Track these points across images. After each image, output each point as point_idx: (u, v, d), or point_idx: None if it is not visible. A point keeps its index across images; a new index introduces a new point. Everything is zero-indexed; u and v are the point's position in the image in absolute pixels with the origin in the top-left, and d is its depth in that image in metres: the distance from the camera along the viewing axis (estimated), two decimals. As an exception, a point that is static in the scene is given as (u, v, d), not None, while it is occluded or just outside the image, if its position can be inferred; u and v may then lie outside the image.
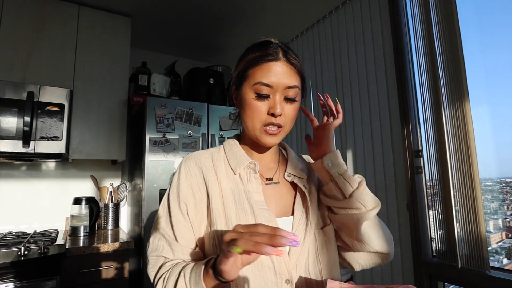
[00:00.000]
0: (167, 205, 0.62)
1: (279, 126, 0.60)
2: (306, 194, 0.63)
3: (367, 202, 0.57)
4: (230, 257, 0.43)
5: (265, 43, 0.63)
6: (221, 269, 0.45)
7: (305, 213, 0.62)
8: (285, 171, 0.67)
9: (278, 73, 0.59)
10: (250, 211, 0.58)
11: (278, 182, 0.66)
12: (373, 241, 0.59)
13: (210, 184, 0.61)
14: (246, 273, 0.55)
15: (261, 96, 0.59)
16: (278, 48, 0.61)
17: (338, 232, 0.64)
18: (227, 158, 0.65)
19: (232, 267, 0.44)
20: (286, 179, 0.66)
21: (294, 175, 0.66)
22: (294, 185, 0.66)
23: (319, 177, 0.65)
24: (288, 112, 0.60)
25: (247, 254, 0.43)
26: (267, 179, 0.66)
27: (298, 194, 0.64)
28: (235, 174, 0.63)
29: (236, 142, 0.69)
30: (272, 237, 0.41)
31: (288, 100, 0.60)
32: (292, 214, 0.62)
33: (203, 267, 0.50)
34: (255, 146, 0.67)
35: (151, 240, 0.62)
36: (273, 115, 0.58)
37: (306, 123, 2.20)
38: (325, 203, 0.64)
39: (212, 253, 0.58)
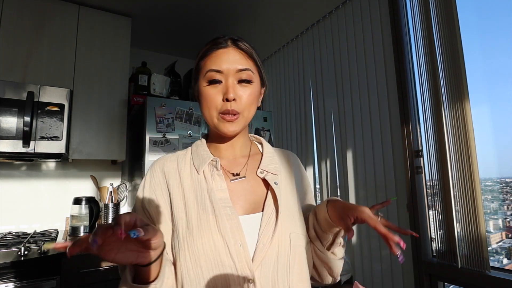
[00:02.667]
0: (133, 210, 0.63)
1: (236, 113, 0.59)
2: (276, 192, 0.60)
3: (339, 255, 0.65)
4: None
5: (217, 37, 0.63)
6: None
7: (275, 211, 0.59)
8: (258, 167, 0.65)
9: (228, 59, 0.59)
10: (211, 210, 0.56)
11: (244, 177, 0.63)
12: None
13: (171, 188, 0.61)
14: (208, 273, 0.53)
15: (213, 82, 0.59)
16: (227, 38, 0.62)
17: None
18: (192, 159, 0.64)
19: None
20: (258, 176, 0.63)
21: (267, 172, 0.63)
22: (266, 182, 0.63)
23: (323, 223, 0.61)
24: (244, 96, 0.59)
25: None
26: (233, 174, 0.63)
27: (270, 191, 0.61)
28: (198, 174, 0.61)
29: (203, 141, 0.68)
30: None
31: (242, 82, 0.59)
32: (262, 211, 0.59)
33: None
34: (220, 140, 0.66)
35: None
36: (227, 100, 0.58)
37: (306, 122, 2.20)
38: (312, 239, 0.64)
39: (176, 256, 0.57)
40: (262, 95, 0.68)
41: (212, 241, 0.54)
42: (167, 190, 0.61)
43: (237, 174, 0.63)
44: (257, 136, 0.74)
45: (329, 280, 0.66)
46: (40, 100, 1.62)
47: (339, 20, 1.95)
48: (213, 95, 0.59)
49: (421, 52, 1.41)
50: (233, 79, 0.59)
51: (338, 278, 0.66)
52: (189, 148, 0.68)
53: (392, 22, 1.60)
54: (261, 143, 0.72)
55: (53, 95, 1.66)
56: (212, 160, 0.62)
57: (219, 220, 0.55)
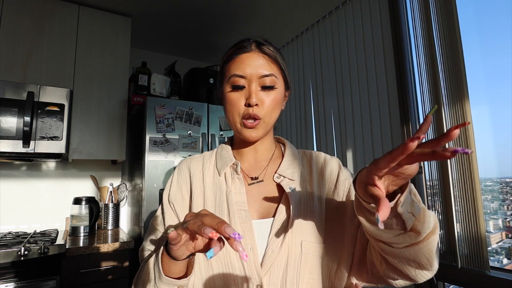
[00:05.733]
0: (161, 206, 0.66)
1: (257, 118, 0.58)
2: (290, 198, 0.58)
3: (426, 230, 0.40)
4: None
5: (242, 40, 0.63)
6: (170, 246, 0.46)
7: (287, 218, 0.57)
8: (275, 171, 0.63)
9: (251, 64, 0.59)
10: (226, 212, 0.58)
11: (262, 181, 0.63)
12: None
13: (194, 187, 0.64)
14: (219, 274, 0.54)
15: (236, 88, 0.59)
16: (251, 41, 0.62)
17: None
18: (216, 161, 0.66)
19: (180, 246, 0.45)
20: (275, 181, 0.62)
21: (283, 177, 0.62)
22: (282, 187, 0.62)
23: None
24: (266, 102, 0.59)
25: (195, 239, 0.46)
26: (252, 178, 0.64)
27: (284, 196, 0.60)
28: (219, 176, 0.63)
29: (228, 144, 0.69)
30: (218, 224, 0.41)
31: (265, 88, 0.59)
32: (274, 216, 0.58)
33: (162, 246, 0.51)
34: (243, 144, 0.66)
35: (144, 238, 0.66)
36: (249, 105, 0.58)
37: (306, 122, 2.20)
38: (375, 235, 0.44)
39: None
40: (287, 98, 0.68)
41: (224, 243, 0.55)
42: (190, 187, 0.65)
43: (256, 178, 0.64)
44: (281, 138, 0.72)
45: (426, 275, 0.46)
46: (40, 100, 1.61)
47: (339, 20, 1.95)
48: (235, 100, 0.59)
49: (421, 52, 1.41)
50: (256, 84, 0.59)
51: (435, 268, 0.45)
52: (215, 149, 0.70)
53: (392, 22, 1.60)
54: (284, 144, 0.70)
55: (53, 95, 1.66)
56: (233, 164, 0.64)
57: (232, 223, 0.57)
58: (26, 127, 1.53)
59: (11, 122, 1.53)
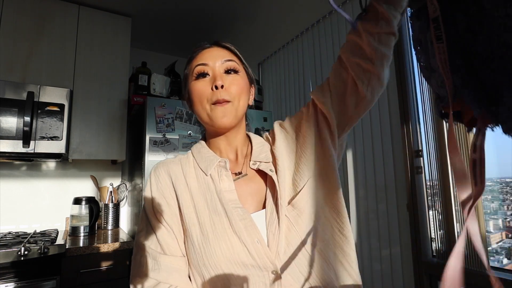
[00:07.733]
0: (145, 218, 0.61)
1: (226, 101, 0.59)
2: (274, 178, 0.59)
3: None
4: None
5: (201, 42, 0.68)
6: None
7: (275, 201, 0.58)
8: (249, 160, 0.64)
9: (213, 54, 0.63)
10: (223, 212, 0.57)
11: (246, 174, 0.63)
12: None
13: (179, 192, 0.61)
14: (231, 275, 0.53)
15: (201, 76, 0.61)
16: (211, 41, 0.67)
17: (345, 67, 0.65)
18: (197, 162, 0.64)
19: None
20: (252, 168, 0.63)
21: (259, 162, 0.63)
22: (262, 172, 0.62)
23: None
24: (232, 85, 0.60)
25: None
26: (236, 174, 0.63)
27: (268, 182, 0.61)
28: (206, 176, 0.61)
29: (203, 143, 0.67)
30: None
31: (229, 72, 0.62)
32: (264, 207, 0.59)
33: None
34: (218, 139, 0.65)
35: (132, 261, 0.59)
36: (216, 87, 0.59)
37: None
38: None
39: (191, 262, 0.57)
40: (253, 95, 0.69)
41: (229, 242, 0.54)
42: (175, 193, 0.61)
43: (240, 173, 0.64)
44: (247, 133, 0.72)
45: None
46: (40, 100, 1.62)
47: (339, 20, 1.95)
48: (202, 87, 0.60)
49: (421, 52, 1.41)
50: (219, 69, 0.61)
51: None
52: (189, 151, 0.68)
53: (392, 22, 1.60)
54: (249, 135, 0.70)
55: (53, 95, 1.66)
56: (220, 162, 0.62)
57: (232, 221, 0.55)
58: (26, 127, 1.53)
59: (11, 122, 1.53)
